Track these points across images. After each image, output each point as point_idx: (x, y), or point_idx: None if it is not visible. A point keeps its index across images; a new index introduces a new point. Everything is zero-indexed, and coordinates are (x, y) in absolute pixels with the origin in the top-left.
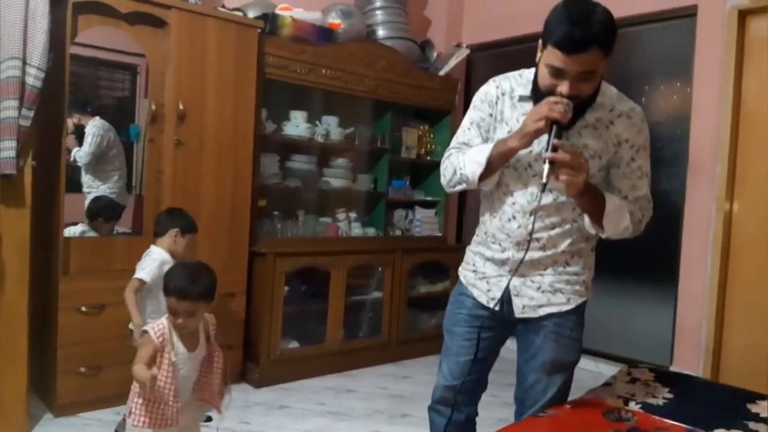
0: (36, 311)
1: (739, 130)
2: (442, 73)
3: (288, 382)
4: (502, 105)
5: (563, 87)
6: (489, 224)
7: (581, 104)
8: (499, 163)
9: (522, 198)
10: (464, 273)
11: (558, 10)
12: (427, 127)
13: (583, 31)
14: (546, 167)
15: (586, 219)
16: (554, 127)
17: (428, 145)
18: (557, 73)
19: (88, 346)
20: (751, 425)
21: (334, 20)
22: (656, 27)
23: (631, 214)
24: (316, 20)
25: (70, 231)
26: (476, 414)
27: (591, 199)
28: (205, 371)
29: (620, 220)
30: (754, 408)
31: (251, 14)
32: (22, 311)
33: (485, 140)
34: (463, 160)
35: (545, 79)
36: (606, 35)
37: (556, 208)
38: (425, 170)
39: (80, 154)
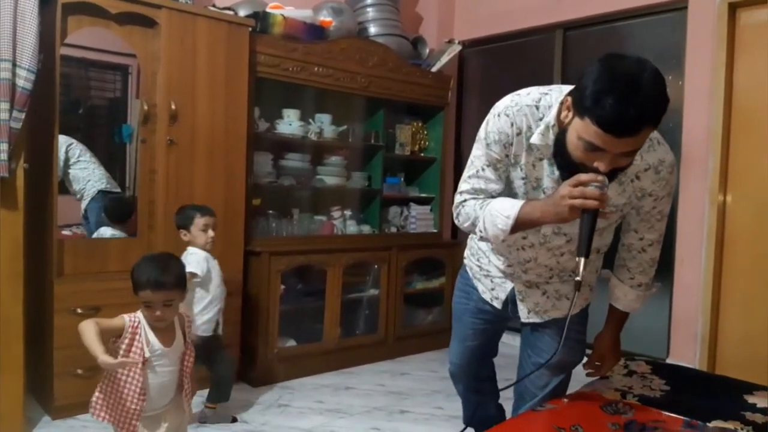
0: (31, 314)
1: (731, 123)
2: (434, 69)
3: (286, 380)
4: (518, 146)
5: (601, 165)
6: (488, 251)
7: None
8: (524, 228)
9: (534, 237)
10: (470, 264)
11: (598, 74)
12: (420, 124)
13: (636, 110)
14: (582, 261)
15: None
16: (593, 214)
17: (422, 142)
18: (595, 148)
19: (84, 348)
20: (748, 416)
21: (325, 18)
22: (647, 21)
23: (647, 285)
24: (307, 18)
25: (100, 233)
26: (493, 371)
27: (624, 324)
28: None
29: (645, 298)
30: (750, 398)
31: (242, 13)
32: (17, 314)
33: (503, 183)
34: (483, 218)
35: (578, 151)
36: (660, 108)
37: (568, 245)
38: (419, 167)
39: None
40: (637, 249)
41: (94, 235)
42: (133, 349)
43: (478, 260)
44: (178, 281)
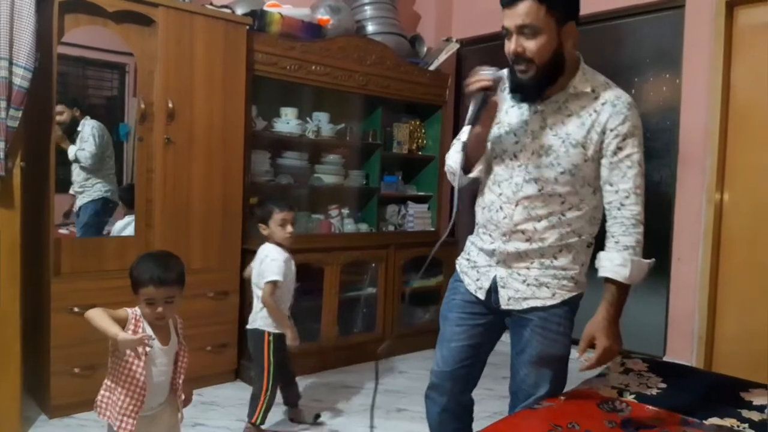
0: (28, 313)
1: (729, 121)
2: (432, 67)
3: None
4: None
5: (510, 44)
6: (480, 215)
7: (546, 72)
8: (474, 146)
9: (507, 189)
10: (460, 261)
11: None
12: (418, 122)
13: None
14: (467, 128)
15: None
16: (482, 94)
17: (420, 140)
18: (506, 34)
19: (81, 346)
20: (745, 413)
21: (323, 16)
22: (645, 19)
23: (634, 248)
24: (305, 16)
25: (118, 225)
26: (472, 402)
27: (621, 306)
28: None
29: (640, 268)
30: (747, 396)
31: (239, 11)
32: (15, 313)
33: None
34: (449, 154)
35: (505, 47)
36: None
37: (543, 199)
38: (417, 165)
39: (84, 155)
40: (615, 206)
41: (113, 233)
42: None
43: (467, 254)
44: (180, 278)
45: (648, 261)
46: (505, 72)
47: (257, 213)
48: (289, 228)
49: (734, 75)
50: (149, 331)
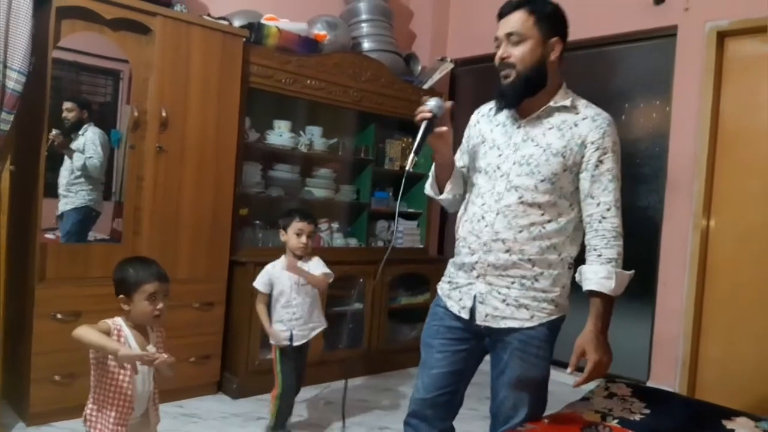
0: (10, 318)
1: (717, 149)
2: (426, 86)
3: (266, 393)
4: (481, 125)
5: (498, 52)
6: (462, 229)
7: (527, 79)
8: (438, 171)
9: (489, 198)
10: (441, 285)
11: None
12: (410, 140)
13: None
14: (411, 157)
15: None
16: (425, 123)
17: None
18: (497, 43)
19: (63, 354)
20: None
21: (320, 31)
22: (637, 46)
23: (616, 261)
24: (302, 31)
25: None
26: (452, 430)
27: (608, 318)
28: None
29: (622, 280)
30: (729, 424)
31: (236, 23)
32: None
33: (469, 161)
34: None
35: (496, 57)
36: (533, 1)
37: (523, 209)
38: (408, 182)
39: (94, 163)
40: (597, 219)
41: None
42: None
43: (448, 278)
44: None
45: (629, 273)
46: (449, 104)
47: (281, 219)
48: (303, 239)
49: (723, 103)
50: (131, 340)
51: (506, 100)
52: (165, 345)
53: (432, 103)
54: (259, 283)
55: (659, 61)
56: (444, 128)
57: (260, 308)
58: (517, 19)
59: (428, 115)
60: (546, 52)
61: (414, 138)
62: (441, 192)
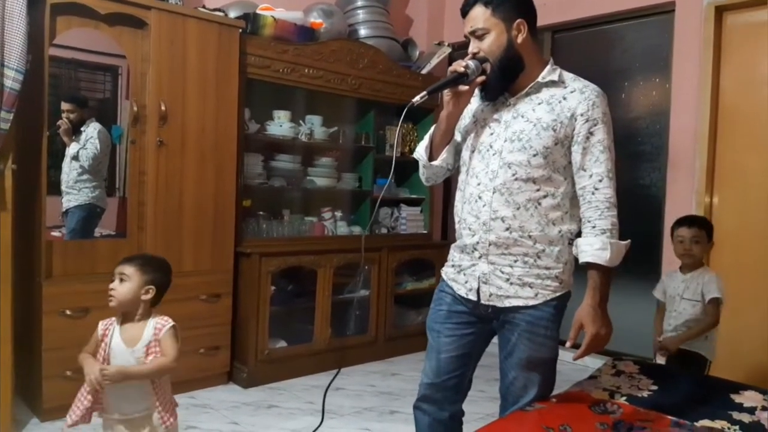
0: (20, 315)
1: (718, 125)
2: (424, 71)
3: (276, 381)
4: (472, 105)
5: (470, 47)
6: (461, 212)
7: (503, 68)
8: (438, 134)
9: (485, 177)
10: (445, 270)
11: None
12: (410, 125)
13: None
14: (422, 93)
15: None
16: (453, 75)
17: (412, 143)
18: (468, 40)
19: (73, 349)
20: (735, 415)
21: (316, 20)
22: (635, 23)
23: (611, 231)
24: (298, 20)
25: None
26: (462, 413)
27: (606, 290)
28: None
29: (618, 250)
30: (737, 398)
31: (232, 14)
32: (6, 315)
33: (462, 140)
34: (420, 144)
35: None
36: None
37: (518, 185)
38: (409, 168)
39: (87, 154)
40: (590, 191)
41: None
42: (99, 351)
43: (451, 261)
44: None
45: (624, 242)
46: (482, 78)
47: None
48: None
49: (723, 79)
50: (117, 335)
51: (488, 92)
52: (159, 339)
53: (472, 64)
54: None
55: (658, 38)
56: (466, 87)
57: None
58: (477, 15)
59: (461, 70)
60: (512, 36)
61: (416, 121)
62: (433, 159)
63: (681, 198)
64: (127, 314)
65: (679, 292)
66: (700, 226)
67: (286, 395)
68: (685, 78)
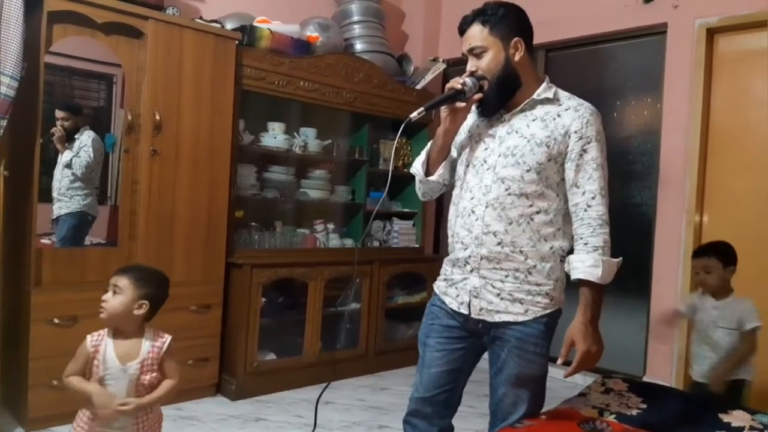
0: (7, 323)
1: (708, 145)
2: (419, 86)
3: (265, 394)
4: (468, 121)
5: (468, 65)
6: (454, 225)
7: (500, 85)
8: (435, 150)
9: (478, 192)
10: (438, 284)
11: None
12: (404, 140)
13: (470, 15)
14: (420, 109)
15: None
16: (451, 92)
17: (406, 157)
18: (466, 59)
19: (60, 358)
20: None
21: (312, 33)
22: (627, 44)
23: (602, 249)
24: (294, 33)
25: None
26: (452, 428)
27: (598, 307)
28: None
29: (610, 268)
30: (725, 417)
31: (229, 26)
32: None
33: (457, 155)
34: (416, 159)
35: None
36: (484, 12)
37: (511, 200)
38: (403, 182)
39: (80, 162)
40: (582, 208)
41: None
42: (92, 367)
43: (444, 275)
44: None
45: (616, 260)
46: (479, 95)
47: None
48: None
49: (714, 100)
50: (110, 351)
51: (485, 109)
52: (160, 358)
53: (469, 81)
54: None
55: (650, 59)
56: (463, 104)
57: None
58: (475, 33)
59: (459, 87)
60: (509, 54)
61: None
62: (429, 174)
63: (671, 217)
64: (119, 328)
65: (713, 319)
66: (711, 254)
67: (275, 408)
68: (676, 98)
